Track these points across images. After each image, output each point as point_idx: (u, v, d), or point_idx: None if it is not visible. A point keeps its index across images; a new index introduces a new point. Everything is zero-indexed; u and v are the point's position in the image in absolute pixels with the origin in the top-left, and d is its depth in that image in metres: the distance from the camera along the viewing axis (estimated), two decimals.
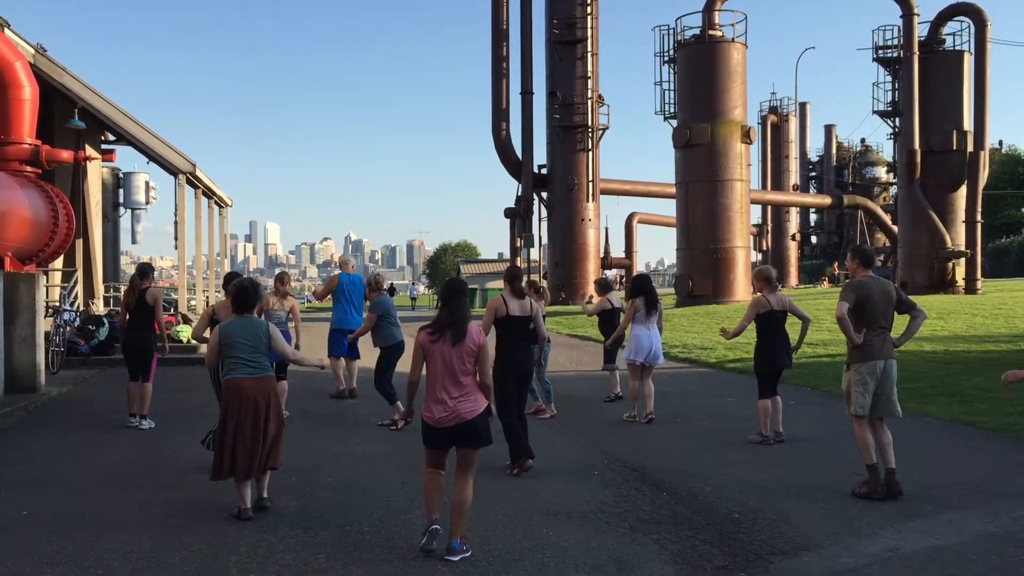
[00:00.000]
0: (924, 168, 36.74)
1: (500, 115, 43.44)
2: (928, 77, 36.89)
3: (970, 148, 36.85)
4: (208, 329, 8.88)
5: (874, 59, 40.61)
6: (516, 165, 43.89)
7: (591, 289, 42.44)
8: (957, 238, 36.66)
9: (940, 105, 37.01)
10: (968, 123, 37.37)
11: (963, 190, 37.05)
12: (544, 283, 44.12)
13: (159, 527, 6.37)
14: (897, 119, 39.39)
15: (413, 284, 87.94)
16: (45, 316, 14.83)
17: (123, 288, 29.31)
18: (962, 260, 36.17)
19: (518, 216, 43.87)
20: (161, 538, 6.10)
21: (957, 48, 38.50)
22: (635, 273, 38.34)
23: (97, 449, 9.39)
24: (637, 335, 10.95)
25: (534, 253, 42.98)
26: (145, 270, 10.86)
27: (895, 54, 39.30)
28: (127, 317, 10.73)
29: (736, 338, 10.08)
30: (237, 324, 6.84)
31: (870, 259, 7.59)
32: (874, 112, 41.24)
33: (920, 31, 37.63)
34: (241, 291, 6.97)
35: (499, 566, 5.53)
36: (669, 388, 12.70)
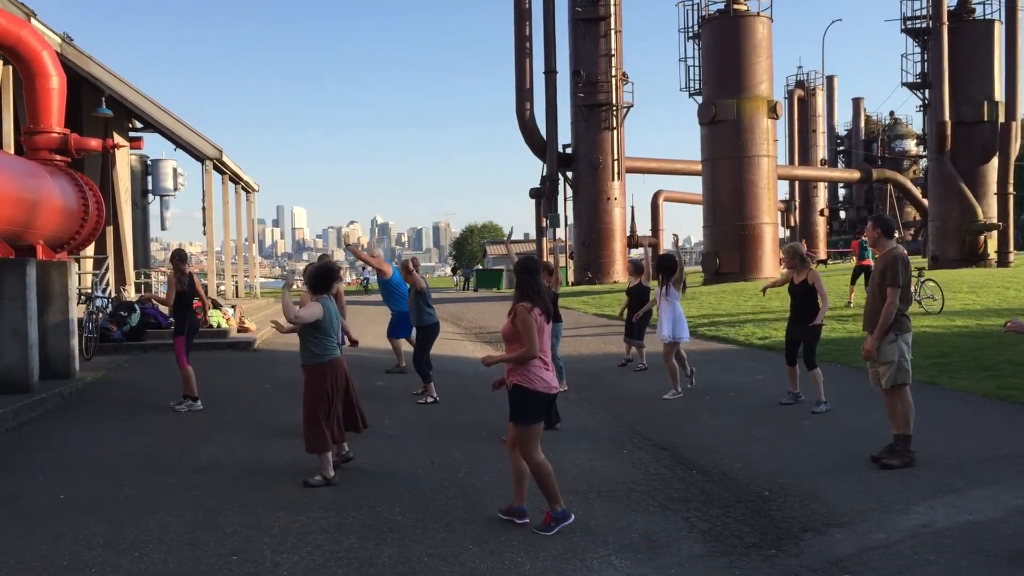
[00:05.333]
0: (955, 140, 36.14)
1: (524, 95, 43.27)
2: (958, 47, 36.17)
3: (1001, 119, 36.16)
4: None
5: (902, 30, 39.92)
6: (540, 145, 43.75)
7: (619, 267, 42.47)
8: (989, 210, 36.07)
9: (970, 75, 36.31)
10: (999, 93, 36.66)
11: (994, 162, 36.41)
12: (570, 260, 44.17)
13: (194, 509, 6.46)
14: (926, 91, 38.73)
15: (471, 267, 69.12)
16: (78, 303, 15.01)
17: (156, 275, 29.71)
18: (994, 233, 35.62)
19: (543, 196, 43.77)
20: (196, 520, 6.19)
21: (987, 17, 37.78)
22: (661, 251, 38.16)
23: (132, 433, 9.51)
24: (680, 314, 11.10)
25: (560, 233, 42.90)
26: (184, 255, 11.29)
27: (924, 24, 38.63)
28: (180, 302, 10.88)
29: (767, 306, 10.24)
30: (332, 305, 7.23)
31: (892, 229, 7.52)
32: (903, 84, 40.53)
33: (949, 0, 36.97)
34: (328, 272, 7.37)
35: (529, 544, 5.56)
36: (697, 366, 12.64)
